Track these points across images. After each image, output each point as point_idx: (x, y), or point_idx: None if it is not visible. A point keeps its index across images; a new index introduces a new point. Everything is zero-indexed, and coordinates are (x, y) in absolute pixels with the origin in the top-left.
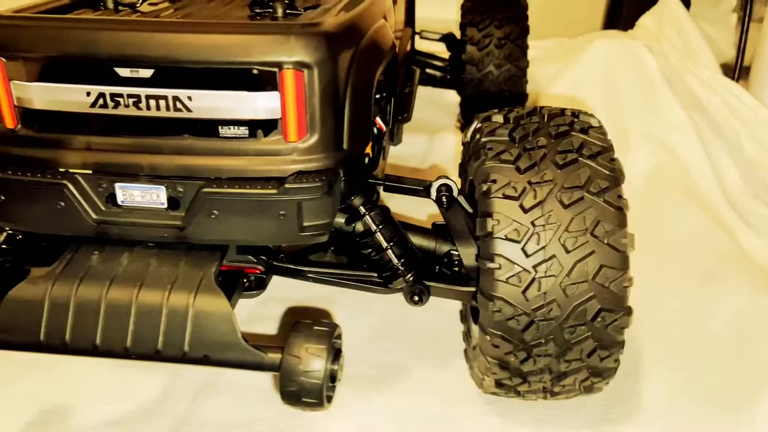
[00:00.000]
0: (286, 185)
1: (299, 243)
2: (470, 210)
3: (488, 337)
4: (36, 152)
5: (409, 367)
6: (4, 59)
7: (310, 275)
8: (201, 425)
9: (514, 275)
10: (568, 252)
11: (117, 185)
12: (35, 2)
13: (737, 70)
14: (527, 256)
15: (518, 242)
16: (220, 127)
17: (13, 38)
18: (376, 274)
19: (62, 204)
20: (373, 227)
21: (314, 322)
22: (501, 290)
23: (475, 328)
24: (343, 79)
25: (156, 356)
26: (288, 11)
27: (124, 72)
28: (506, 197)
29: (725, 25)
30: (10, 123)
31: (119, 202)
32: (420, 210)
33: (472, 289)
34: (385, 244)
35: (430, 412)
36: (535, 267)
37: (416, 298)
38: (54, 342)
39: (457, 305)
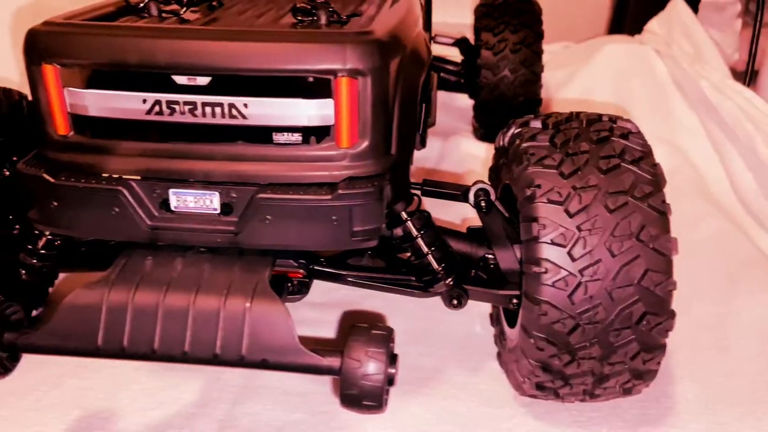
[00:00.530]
0: (340, 191)
1: (350, 248)
2: (506, 214)
3: (532, 340)
4: (89, 158)
5: (443, 370)
6: (59, 66)
7: (349, 279)
8: (242, 429)
9: (560, 279)
10: (614, 256)
11: (171, 191)
12: (79, 10)
13: (748, 75)
14: (573, 260)
15: (564, 246)
16: (273, 133)
17: (70, 46)
18: (414, 278)
19: (117, 210)
20: (414, 232)
21: (371, 325)
22: (547, 294)
23: (510, 331)
24: (393, 86)
25: (214, 360)
26: (331, 19)
27: (181, 80)
28: (551, 202)
29: (731, 29)
30: (62, 129)
31: (172, 208)
32: (448, 212)
33: (512, 292)
34: (425, 250)
35: (468, 415)
36: (581, 271)
37: (455, 301)
38: (112, 347)
39: (485, 308)
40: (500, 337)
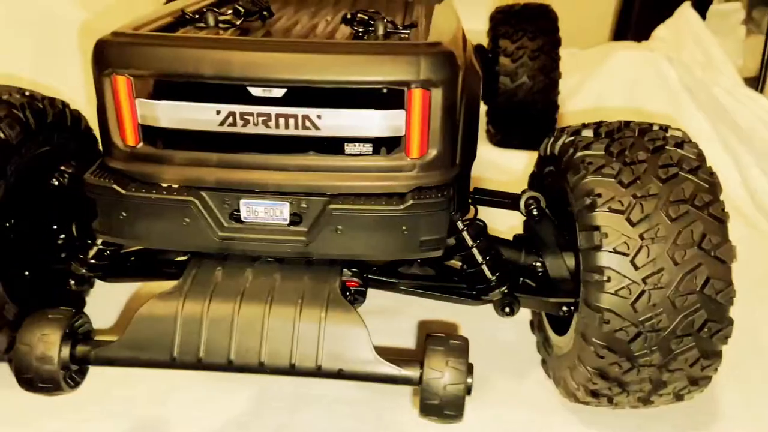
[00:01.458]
0: (412, 201)
1: (417, 257)
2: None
3: (592, 348)
4: (158, 169)
5: (490, 377)
6: (132, 78)
7: (402, 287)
8: None
9: (623, 287)
10: (676, 264)
11: (242, 202)
12: (138, 21)
13: (762, 82)
14: (637, 268)
15: (627, 255)
16: (345, 144)
17: (144, 57)
18: (465, 286)
19: (187, 221)
20: (470, 242)
21: (448, 335)
22: (610, 302)
23: (559, 339)
24: (460, 96)
25: (291, 370)
26: (389, 29)
27: (256, 91)
28: (612, 211)
29: (735, 36)
30: (132, 140)
31: (242, 218)
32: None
33: (564, 300)
34: (480, 259)
35: (520, 423)
36: (644, 279)
37: (508, 309)
38: (188, 358)
39: (524, 315)
40: (545, 345)
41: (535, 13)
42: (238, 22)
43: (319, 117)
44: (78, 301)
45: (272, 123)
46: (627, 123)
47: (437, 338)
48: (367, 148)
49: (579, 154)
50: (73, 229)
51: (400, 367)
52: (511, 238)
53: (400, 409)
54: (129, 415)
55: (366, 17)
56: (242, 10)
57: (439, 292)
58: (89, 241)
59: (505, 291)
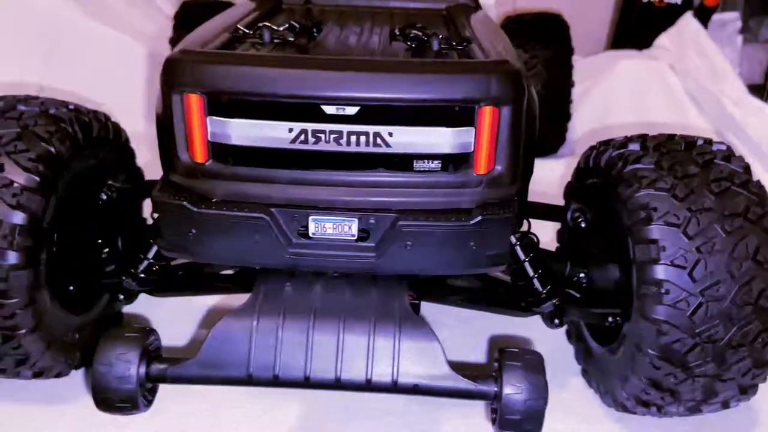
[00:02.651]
0: (481, 216)
1: (482, 272)
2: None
3: (647, 359)
4: (227, 186)
5: None
6: (205, 96)
7: (453, 299)
8: None
9: (681, 300)
10: (732, 277)
11: (311, 218)
12: (197, 38)
13: (767, 91)
14: (694, 281)
15: (685, 268)
16: (414, 161)
17: (218, 75)
18: (513, 297)
19: (257, 237)
20: (522, 256)
21: (522, 350)
22: (667, 314)
23: (603, 349)
24: (524, 114)
25: (367, 386)
26: (443, 45)
27: (329, 109)
28: (669, 225)
29: (732, 45)
30: (200, 158)
31: (310, 234)
32: None
33: (611, 311)
34: (532, 273)
35: None
36: (702, 292)
37: (557, 320)
38: (264, 375)
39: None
40: (585, 355)
41: (547, 23)
42: (292, 39)
43: (390, 134)
44: (117, 316)
45: (343, 140)
46: (671, 136)
47: (513, 353)
48: (436, 164)
49: (630, 168)
50: (119, 244)
51: (475, 382)
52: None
53: (449, 420)
54: (183, 431)
55: (420, 33)
56: (297, 26)
57: (489, 304)
58: (141, 255)
59: (557, 303)
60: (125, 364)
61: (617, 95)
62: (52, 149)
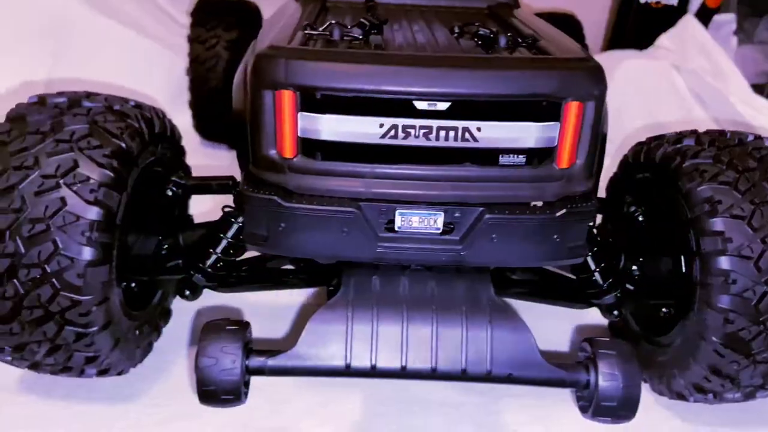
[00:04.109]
0: (566, 209)
1: (563, 263)
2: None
3: (711, 347)
4: (315, 181)
5: None
6: (298, 92)
7: (512, 292)
8: None
9: (748, 289)
10: None
11: (398, 212)
12: (278, 37)
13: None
14: (759, 271)
15: (751, 259)
16: (500, 155)
17: (313, 72)
18: (573, 290)
19: (346, 230)
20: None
21: (611, 339)
22: (733, 304)
23: (659, 339)
24: (603, 109)
25: (462, 376)
26: (510, 43)
27: (421, 105)
28: (734, 217)
29: (727, 46)
30: (289, 153)
31: (396, 228)
32: None
33: (665, 301)
34: (594, 267)
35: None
36: (767, 281)
37: (616, 312)
38: (362, 366)
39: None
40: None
41: (560, 22)
42: (360, 36)
43: (478, 129)
44: (168, 313)
45: (433, 135)
46: (722, 132)
47: (606, 343)
48: (521, 159)
49: (689, 162)
50: (180, 240)
51: (567, 371)
52: None
53: (507, 410)
54: (246, 426)
55: (488, 31)
56: (367, 24)
57: (548, 297)
58: (210, 250)
59: (618, 295)
60: (230, 357)
61: (622, 94)
62: (123, 145)
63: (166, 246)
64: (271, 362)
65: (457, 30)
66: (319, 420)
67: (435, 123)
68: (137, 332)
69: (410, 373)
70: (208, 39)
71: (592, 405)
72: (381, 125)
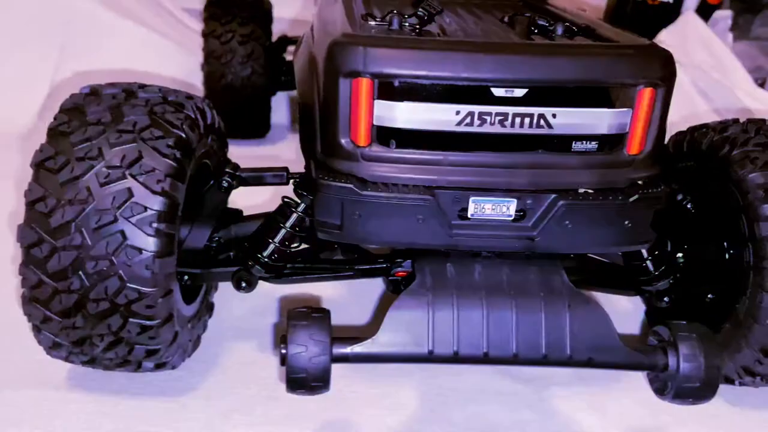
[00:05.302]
0: (638, 195)
1: (633, 249)
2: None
3: (765, 330)
4: (389, 169)
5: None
6: (375, 80)
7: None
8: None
9: None
10: None
11: (471, 199)
12: (342, 28)
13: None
14: None
15: None
16: (573, 141)
17: (391, 60)
18: (623, 277)
19: (420, 218)
20: None
21: (688, 323)
22: None
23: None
24: (671, 96)
25: (543, 361)
26: (566, 32)
27: (498, 92)
28: None
29: (724, 42)
30: (363, 141)
31: (469, 215)
32: None
33: (713, 286)
34: (645, 255)
35: (675, 407)
36: None
37: (666, 299)
38: (445, 352)
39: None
40: None
41: None
42: (418, 25)
43: (554, 116)
44: (211, 306)
45: (508, 122)
46: (763, 120)
47: (682, 326)
48: (593, 145)
49: (739, 150)
50: (232, 232)
51: (645, 354)
52: None
53: (563, 398)
54: (313, 419)
55: (545, 21)
56: (425, 13)
57: (600, 284)
58: (269, 240)
59: (671, 282)
60: (319, 344)
61: None
62: (184, 135)
63: (218, 238)
64: (355, 350)
65: (506, 20)
66: (380, 412)
67: (511, 110)
68: (190, 325)
69: (492, 359)
70: (224, 34)
71: (671, 387)
72: (457, 112)
